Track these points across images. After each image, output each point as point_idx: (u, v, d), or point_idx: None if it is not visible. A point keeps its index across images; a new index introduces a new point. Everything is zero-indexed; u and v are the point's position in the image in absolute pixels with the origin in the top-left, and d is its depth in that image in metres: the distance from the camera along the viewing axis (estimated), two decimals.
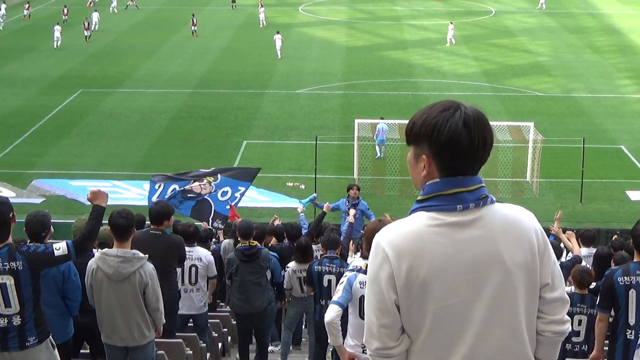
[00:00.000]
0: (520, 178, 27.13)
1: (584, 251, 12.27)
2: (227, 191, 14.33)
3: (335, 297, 6.65)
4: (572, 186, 26.82)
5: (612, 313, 8.20)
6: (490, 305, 3.11)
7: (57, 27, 48.36)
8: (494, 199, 3.18)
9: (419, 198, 3.20)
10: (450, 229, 3.10)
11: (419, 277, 3.08)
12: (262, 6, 55.92)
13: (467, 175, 3.13)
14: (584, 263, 10.71)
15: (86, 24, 50.39)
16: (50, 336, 6.71)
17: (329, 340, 6.79)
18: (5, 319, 6.36)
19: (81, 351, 8.27)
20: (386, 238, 3.14)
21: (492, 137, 3.15)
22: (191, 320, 11.24)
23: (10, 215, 6.33)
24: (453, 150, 3.08)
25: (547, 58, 46.56)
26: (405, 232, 3.12)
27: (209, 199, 14.29)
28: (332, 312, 6.59)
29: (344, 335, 7.07)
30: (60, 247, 6.51)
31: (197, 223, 13.39)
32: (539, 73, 43.07)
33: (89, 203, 6.95)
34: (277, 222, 14.55)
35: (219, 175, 14.39)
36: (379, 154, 29.53)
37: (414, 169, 3.22)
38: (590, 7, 63.38)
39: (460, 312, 3.11)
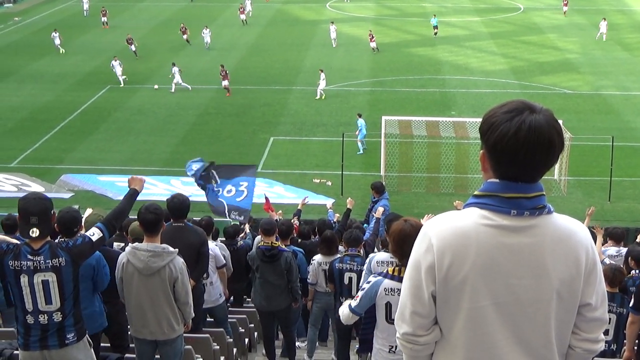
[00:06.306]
0: (549, 176, 26.86)
1: (612, 250, 12.14)
2: (231, 189, 14.52)
3: (353, 303, 6.63)
4: (601, 184, 26.62)
5: None
6: (526, 313, 3.09)
7: (206, 31, 47.86)
8: (552, 209, 3.14)
9: (476, 193, 3.17)
10: (500, 232, 3.06)
11: (460, 273, 3.07)
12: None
13: (522, 181, 3.07)
14: (610, 261, 10.58)
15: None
16: (87, 334, 6.74)
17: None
18: (45, 315, 6.38)
19: (101, 344, 8.24)
20: (435, 229, 3.13)
21: (553, 149, 3.04)
22: (208, 314, 11.23)
23: (52, 212, 6.38)
24: (498, 156, 3.05)
25: (576, 55, 46.18)
26: (454, 226, 3.10)
27: (219, 198, 14.50)
28: (347, 316, 6.62)
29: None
30: (94, 232, 6.61)
31: (217, 219, 13.48)
32: (568, 70, 42.73)
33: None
34: (307, 201, 14.61)
35: (217, 177, 14.59)
36: (361, 151, 29.96)
37: (481, 159, 3.18)
38: (620, 3, 62.79)
39: (495, 315, 3.09)
